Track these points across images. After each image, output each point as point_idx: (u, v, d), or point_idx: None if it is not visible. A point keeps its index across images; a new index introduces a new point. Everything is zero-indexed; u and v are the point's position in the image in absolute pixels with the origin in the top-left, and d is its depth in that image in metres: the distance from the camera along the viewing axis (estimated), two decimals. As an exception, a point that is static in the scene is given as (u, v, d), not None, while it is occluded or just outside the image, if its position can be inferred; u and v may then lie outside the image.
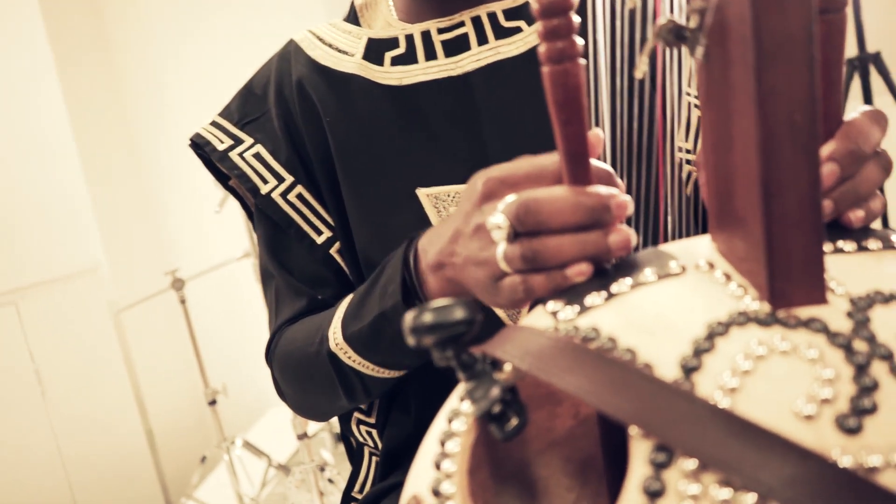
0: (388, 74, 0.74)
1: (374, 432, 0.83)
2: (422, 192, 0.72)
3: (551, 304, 0.40)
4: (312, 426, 2.38)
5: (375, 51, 0.75)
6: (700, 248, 0.40)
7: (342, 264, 0.76)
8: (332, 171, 0.75)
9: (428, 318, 0.35)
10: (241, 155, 0.77)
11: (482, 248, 0.47)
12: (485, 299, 0.50)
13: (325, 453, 2.34)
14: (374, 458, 0.85)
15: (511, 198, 0.43)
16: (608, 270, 0.41)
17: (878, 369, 0.31)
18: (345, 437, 0.93)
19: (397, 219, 0.72)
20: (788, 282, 0.34)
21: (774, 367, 0.32)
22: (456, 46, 0.73)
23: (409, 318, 0.36)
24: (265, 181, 0.76)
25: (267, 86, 0.80)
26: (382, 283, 0.60)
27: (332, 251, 0.76)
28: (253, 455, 2.40)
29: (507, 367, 0.38)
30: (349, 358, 0.65)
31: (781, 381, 0.31)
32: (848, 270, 0.37)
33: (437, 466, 0.37)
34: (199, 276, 2.37)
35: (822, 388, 0.31)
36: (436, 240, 0.55)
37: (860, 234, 0.40)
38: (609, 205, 0.40)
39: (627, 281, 0.38)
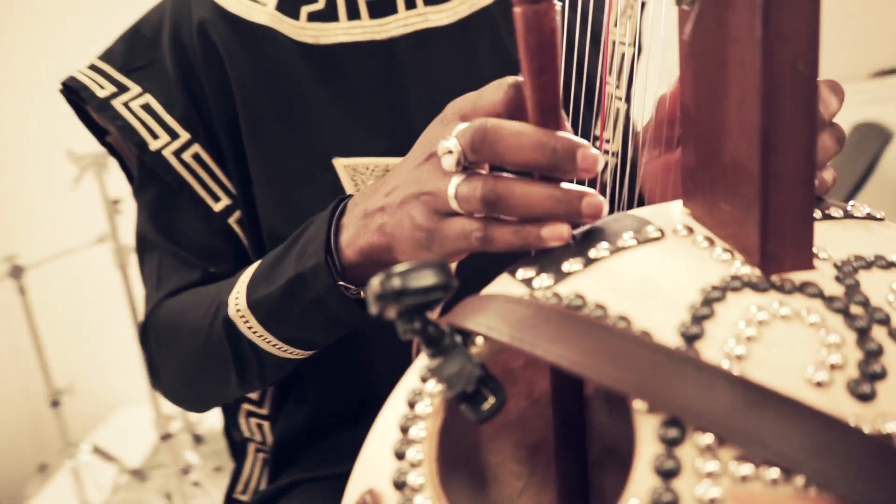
0: (304, 31, 0.67)
1: (266, 425, 0.75)
2: (339, 163, 0.66)
3: (521, 272, 0.36)
4: (175, 425, 2.22)
5: (290, 2, 0.68)
6: (672, 213, 0.38)
7: (241, 236, 0.69)
8: (236, 131, 0.67)
9: (397, 282, 0.30)
10: (126, 104, 0.67)
11: (429, 178, 0.42)
12: (410, 246, 0.44)
13: (189, 454, 2.18)
14: (260, 455, 0.78)
15: (463, 124, 0.38)
16: (574, 237, 0.38)
17: (879, 333, 0.30)
18: (228, 432, 0.85)
19: (309, 190, 0.66)
20: (780, 244, 0.32)
21: (778, 332, 0.30)
22: (382, 8, 0.67)
23: (375, 282, 0.30)
24: (155, 136, 0.67)
25: (159, 29, 0.70)
26: (302, 242, 0.54)
27: (231, 221, 0.68)
28: (101, 460, 2.20)
29: (479, 340, 0.34)
30: (249, 328, 0.57)
31: (788, 348, 0.29)
32: (824, 236, 0.35)
33: (399, 456, 0.33)
34: (44, 263, 2.13)
35: (830, 354, 0.29)
36: (369, 191, 0.50)
37: (820, 204, 0.40)
38: (575, 153, 0.36)
39: (604, 245, 0.35)
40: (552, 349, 0.31)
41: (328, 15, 0.67)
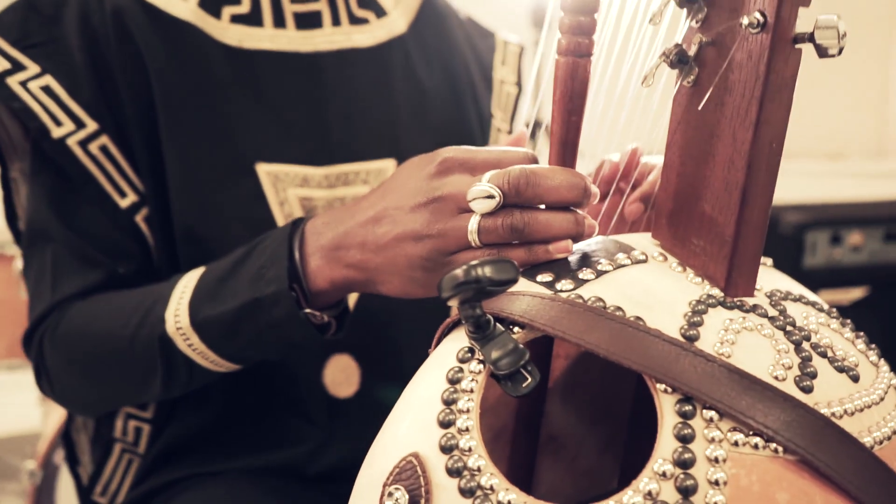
0: (226, 32, 0.68)
1: (146, 429, 0.72)
2: (261, 168, 0.67)
3: (541, 276, 0.42)
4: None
5: (212, 0, 0.68)
6: (643, 242, 0.47)
7: (147, 235, 0.66)
8: (151, 125, 0.65)
9: (482, 272, 0.35)
10: (23, 84, 0.62)
11: (435, 221, 0.46)
12: (403, 283, 0.48)
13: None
14: (126, 457, 0.74)
15: (498, 171, 0.44)
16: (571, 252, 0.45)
17: (806, 346, 0.41)
18: (67, 434, 0.79)
19: (230, 193, 0.66)
20: (740, 274, 0.42)
21: (747, 339, 0.39)
22: (308, 21, 0.70)
23: (458, 271, 0.35)
24: (58, 123, 0.63)
25: (61, 6, 0.65)
26: (255, 265, 0.54)
27: (138, 218, 0.65)
28: None
29: (517, 329, 0.40)
30: (189, 346, 0.56)
31: (755, 350, 0.39)
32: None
33: (446, 424, 0.37)
34: None
35: (782, 358, 0.39)
36: (336, 222, 0.52)
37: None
38: (590, 190, 0.44)
39: (604, 262, 0.43)
40: (589, 340, 0.37)
41: (252, 19, 0.68)
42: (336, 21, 0.71)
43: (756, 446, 0.35)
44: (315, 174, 0.68)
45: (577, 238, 0.45)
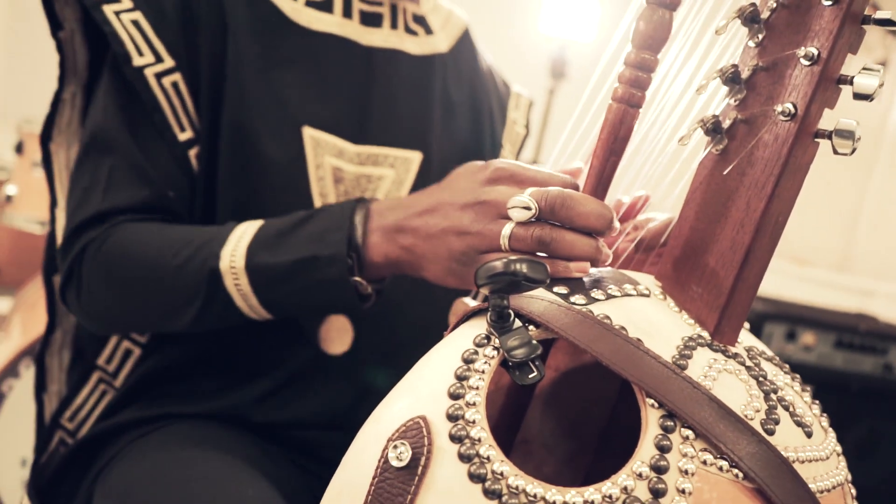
0: (299, 13, 0.74)
1: (136, 353, 0.75)
2: (307, 132, 0.72)
3: (557, 288, 0.47)
4: None
5: None
6: (647, 281, 0.52)
7: (195, 170, 0.70)
8: (220, 76, 0.70)
9: (525, 268, 0.40)
10: (117, 14, 0.67)
11: (478, 221, 0.52)
12: (442, 272, 0.54)
13: None
14: (101, 387, 0.77)
15: (540, 189, 0.49)
16: (582, 276, 0.50)
17: (774, 396, 0.46)
18: (41, 358, 0.81)
19: (275, 149, 0.71)
20: (728, 325, 0.48)
21: (726, 379, 0.45)
22: (371, 19, 0.77)
23: (498, 263, 0.40)
24: (141, 53, 0.68)
25: None
26: (319, 228, 0.60)
27: (191, 153, 0.70)
28: None
29: (531, 327, 0.44)
30: (236, 285, 0.61)
31: (732, 390, 0.44)
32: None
33: (455, 396, 0.42)
34: None
35: (752, 401, 0.44)
36: (399, 208, 0.58)
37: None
38: (615, 223, 0.50)
39: (614, 288, 0.48)
40: (595, 348, 0.42)
41: (324, 6, 0.75)
42: (394, 25, 0.78)
43: (721, 468, 0.40)
44: (349, 149, 0.74)
45: (594, 263, 0.50)
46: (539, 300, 0.46)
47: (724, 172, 0.48)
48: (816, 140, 0.46)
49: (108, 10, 0.67)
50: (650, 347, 0.44)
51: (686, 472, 0.40)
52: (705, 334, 0.48)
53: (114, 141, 0.69)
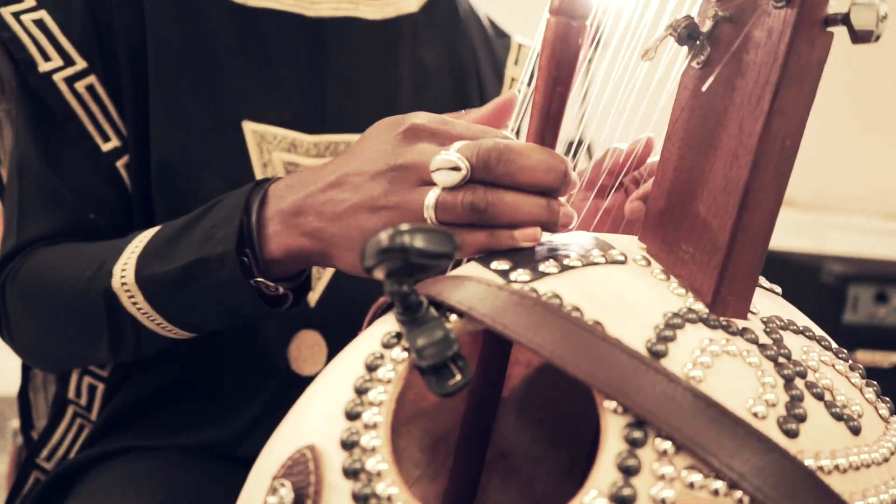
0: None
1: (100, 388, 0.68)
2: (248, 126, 0.64)
3: (496, 263, 0.37)
4: None
5: None
6: (628, 244, 0.41)
7: (127, 182, 0.63)
8: (142, 69, 0.62)
9: (419, 241, 0.30)
10: (16, 15, 0.60)
11: (393, 191, 0.41)
12: (357, 259, 0.43)
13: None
14: (78, 421, 0.70)
15: (468, 142, 0.39)
16: (540, 242, 0.39)
17: (799, 383, 0.34)
18: (24, 393, 0.75)
19: (212, 148, 0.63)
20: (730, 291, 0.36)
21: (727, 365, 0.33)
22: None
23: (383, 236, 0.30)
24: (46, 57, 0.60)
25: None
26: (208, 223, 0.50)
27: (119, 164, 0.62)
28: None
29: (453, 317, 0.34)
30: (134, 304, 0.52)
31: (734, 379, 0.33)
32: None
33: (352, 416, 0.32)
34: None
35: (765, 392, 0.33)
36: (300, 185, 0.47)
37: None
38: (570, 176, 0.39)
39: (574, 256, 0.37)
40: (533, 338, 0.32)
41: None
42: None
43: (716, 492, 0.29)
44: (304, 140, 0.65)
45: (547, 227, 0.39)
46: (466, 282, 0.35)
47: (704, 88, 0.36)
48: (827, 29, 0.34)
49: (7, 12, 0.60)
50: (615, 331, 0.33)
51: (664, 503, 0.28)
52: (700, 306, 0.36)
53: (28, 163, 0.61)
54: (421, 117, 0.42)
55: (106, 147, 0.62)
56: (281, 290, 0.50)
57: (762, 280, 0.45)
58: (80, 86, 0.61)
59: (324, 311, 0.66)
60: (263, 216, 0.47)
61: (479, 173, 0.38)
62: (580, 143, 0.52)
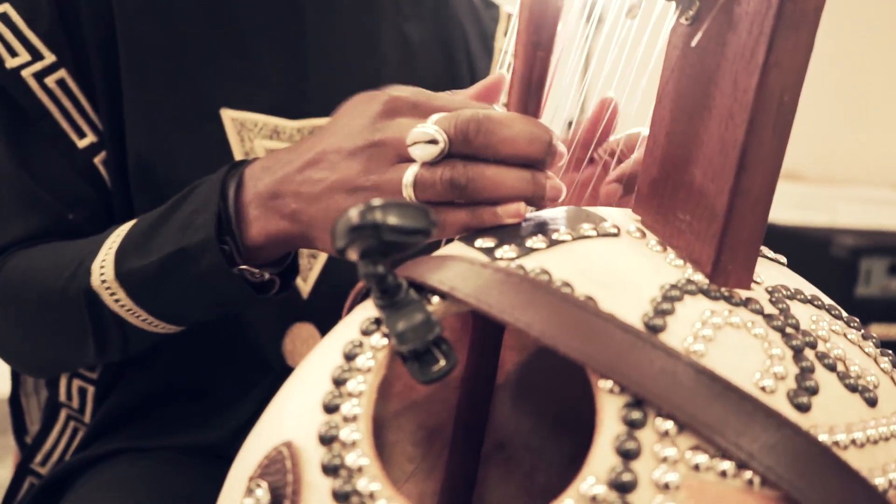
0: None
1: (90, 391, 0.66)
2: (227, 114, 0.61)
3: (480, 241, 0.34)
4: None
5: None
6: (621, 215, 0.38)
7: (106, 178, 0.61)
8: (113, 61, 0.60)
9: (379, 216, 0.28)
10: None
11: (371, 169, 0.39)
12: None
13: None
14: (71, 424, 0.69)
15: (447, 113, 0.37)
16: (526, 219, 0.37)
17: (809, 354, 0.32)
18: (14, 395, 0.74)
19: (192, 138, 0.60)
20: (731, 259, 0.34)
21: (730, 337, 0.31)
22: None
23: (353, 212, 0.28)
24: (13, 53, 0.58)
25: None
26: (186, 212, 0.48)
27: (96, 161, 0.60)
28: None
29: (435, 299, 0.32)
30: (116, 301, 0.50)
31: (739, 352, 0.30)
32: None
33: (330, 409, 0.30)
34: None
35: (773, 365, 0.30)
36: (276, 166, 0.45)
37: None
38: (556, 146, 0.37)
39: (563, 230, 0.35)
40: (521, 317, 0.30)
41: None
42: None
43: (723, 473, 0.27)
44: (287, 126, 0.63)
45: (533, 201, 0.37)
46: (449, 261, 0.33)
47: (693, 43, 0.34)
48: (823, -29, 0.31)
49: None
50: (609, 306, 0.31)
51: (666, 487, 0.26)
52: (699, 277, 0.34)
53: (1, 165, 0.59)
54: (402, 90, 0.40)
55: (82, 143, 0.60)
56: (267, 275, 0.48)
57: (766, 250, 0.43)
58: (50, 81, 0.58)
59: (317, 302, 0.64)
60: (241, 201, 0.46)
61: (457, 146, 0.36)
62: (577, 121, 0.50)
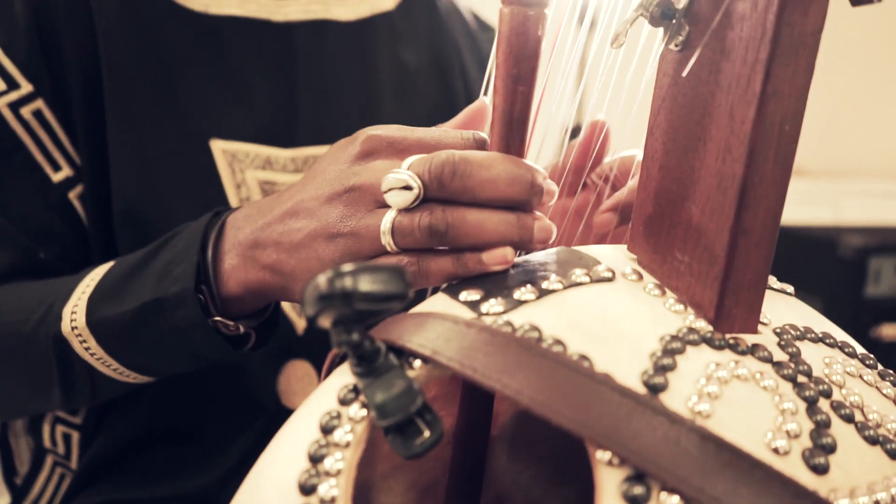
0: None
1: (75, 436, 0.64)
2: (217, 145, 0.59)
3: (465, 294, 0.32)
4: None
5: None
6: (616, 255, 0.36)
7: (82, 214, 0.59)
8: (96, 92, 0.57)
9: (349, 283, 0.25)
10: None
11: (349, 216, 0.37)
12: None
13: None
14: (58, 471, 0.66)
15: (423, 155, 0.34)
16: (515, 264, 0.35)
17: (824, 405, 0.30)
18: (3, 439, 0.71)
19: (180, 172, 0.58)
20: (735, 303, 0.31)
21: (737, 392, 0.29)
22: None
23: (321, 279, 0.26)
24: None
25: None
26: (164, 260, 0.46)
27: (72, 195, 0.58)
28: None
29: (416, 363, 0.30)
30: (87, 349, 0.48)
31: (748, 409, 0.28)
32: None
33: (307, 490, 0.27)
34: None
35: (786, 421, 0.28)
36: (258, 214, 0.43)
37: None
38: (541, 185, 0.34)
39: (554, 278, 0.33)
40: (509, 383, 0.27)
41: None
42: None
43: (737, 551, 0.24)
44: (280, 156, 0.60)
45: (521, 245, 0.35)
46: (432, 320, 0.31)
47: (685, 73, 0.31)
48: (821, -8, 0.29)
49: None
50: (605, 365, 0.28)
51: (675, 571, 0.24)
52: (702, 324, 0.31)
53: None
54: (377, 129, 0.38)
55: (57, 177, 0.57)
56: (242, 329, 0.45)
57: (772, 280, 0.40)
58: (26, 111, 0.56)
59: (313, 338, 0.62)
60: (220, 249, 0.43)
61: (433, 191, 0.34)
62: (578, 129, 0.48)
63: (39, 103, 0.57)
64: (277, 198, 0.42)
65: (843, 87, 2.20)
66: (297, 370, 0.61)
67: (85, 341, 0.48)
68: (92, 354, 0.48)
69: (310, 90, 0.62)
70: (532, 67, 0.33)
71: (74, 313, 0.48)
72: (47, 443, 0.65)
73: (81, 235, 0.59)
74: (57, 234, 0.57)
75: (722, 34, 0.31)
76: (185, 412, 0.61)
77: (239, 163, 0.60)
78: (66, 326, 0.48)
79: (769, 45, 0.29)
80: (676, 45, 0.33)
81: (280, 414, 0.61)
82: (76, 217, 0.58)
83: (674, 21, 0.32)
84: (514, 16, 0.32)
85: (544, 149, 0.43)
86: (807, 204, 2.00)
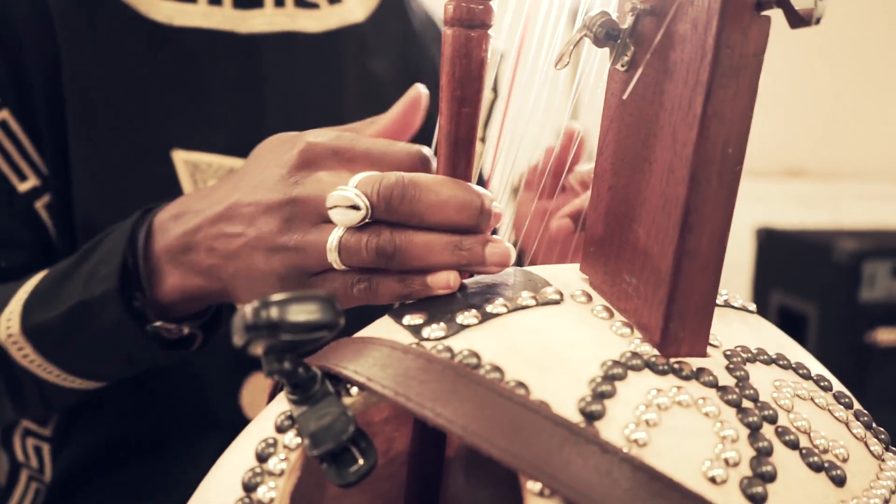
0: (155, 7, 0.60)
1: (46, 449, 0.64)
2: (179, 156, 0.59)
3: (408, 318, 0.32)
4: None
5: None
6: (568, 276, 0.36)
7: (49, 224, 0.59)
8: (58, 102, 0.57)
9: (275, 313, 0.25)
10: None
11: (291, 230, 0.37)
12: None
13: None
14: (33, 485, 0.66)
15: (370, 174, 0.34)
16: (463, 286, 0.35)
17: (768, 431, 0.29)
18: None
19: (141, 182, 0.58)
20: (682, 326, 0.31)
21: (676, 419, 0.28)
22: (247, 0, 0.63)
23: (247, 310, 0.25)
24: None
25: None
26: (93, 262, 0.46)
27: (38, 205, 0.58)
28: None
29: (353, 390, 0.29)
30: (24, 356, 0.48)
31: (687, 437, 0.28)
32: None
33: (240, 519, 0.27)
34: None
35: (725, 449, 0.28)
36: (187, 215, 0.42)
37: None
38: (489, 210, 0.34)
39: (500, 301, 0.32)
40: (442, 412, 0.27)
41: None
42: (279, 2, 0.63)
43: (666, 585, 0.24)
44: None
45: (469, 269, 0.34)
46: (371, 346, 0.30)
47: (625, 95, 0.31)
48: (761, 14, 0.29)
49: None
50: (543, 392, 0.28)
51: None
52: (646, 348, 0.31)
53: None
54: (320, 135, 0.38)
55: (23, 187, 0.57)
56: (186, 330, 0.45)
57: (735, 297, 0.40)
58: None
59: None
60: (151, 252, 0.43)
61: (381, 213, 0.33)
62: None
63: (5, 113, 0.56)
64: (207, 196, 0.41)
65: (841, 89, 2.18)
66: (261, 382, 0.61)
67: (22, 348, 0.48)
68: (31, 361, 0.48)
69: (275, 101, 0.62)
70: (477, 89, 0.32)
71: (10, 321, 0.48)
72: (20, 456, 0.65)
73: (47, 245, 0.59)
74: (20, 243, 0.57)
75: (665, 55, 0.30)
76: (147, 425, 0.61)
77: (201, 173, 0.60)
78: (2, 334, 0.48)
79: (709, 66, 0.28)
80: (623, 66, 0.32)
81: (243, 427, 0.60)
82: (42, 226, 0.58)
83: (618, 41, 0.32)
84: (457, 37, 0.32)
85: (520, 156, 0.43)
86: (804, 205, 1.99)
